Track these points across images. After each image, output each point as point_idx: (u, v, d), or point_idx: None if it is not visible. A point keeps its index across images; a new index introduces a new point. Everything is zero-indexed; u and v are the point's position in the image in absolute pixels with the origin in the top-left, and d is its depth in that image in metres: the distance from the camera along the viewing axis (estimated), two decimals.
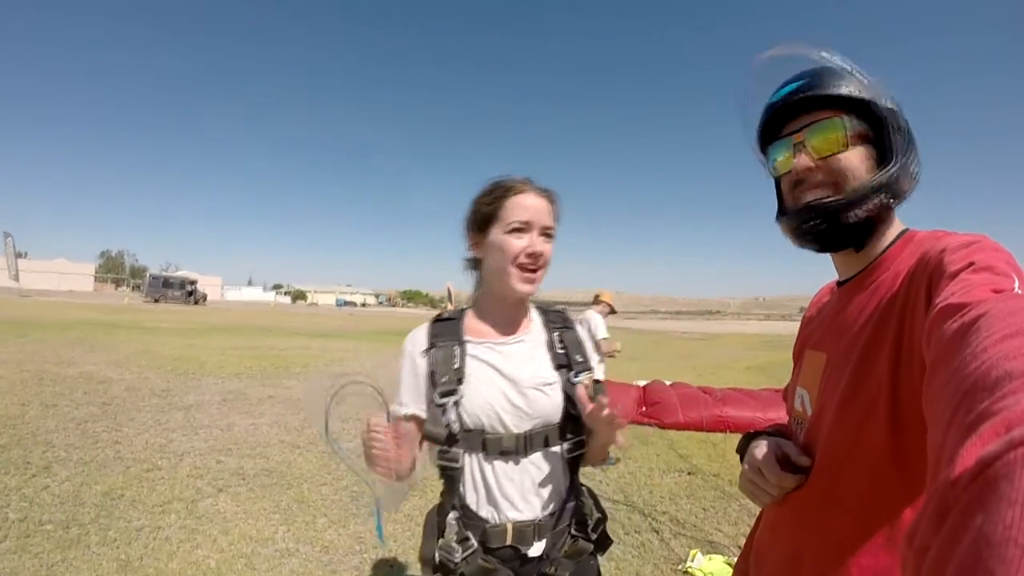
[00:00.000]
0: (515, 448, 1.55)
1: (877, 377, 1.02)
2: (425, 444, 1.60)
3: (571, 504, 1.63)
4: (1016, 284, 0.79)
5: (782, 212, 1.29)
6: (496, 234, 1.60)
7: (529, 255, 1.57)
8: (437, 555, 1.53)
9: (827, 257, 1.32)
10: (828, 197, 1.16)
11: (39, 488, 4.80)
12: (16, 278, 43.43)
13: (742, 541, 4.88)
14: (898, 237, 1.19)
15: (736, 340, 21.72)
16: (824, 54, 1.19)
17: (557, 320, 1.77)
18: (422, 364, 1.62)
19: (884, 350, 1.03)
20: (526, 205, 1.59)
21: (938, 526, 0.40)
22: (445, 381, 1.55)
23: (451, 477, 1.56)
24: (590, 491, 1.73)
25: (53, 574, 3.50)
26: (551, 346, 1.69)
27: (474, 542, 1.52)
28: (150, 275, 63.49)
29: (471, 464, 1.56)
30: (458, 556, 1.50)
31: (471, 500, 1.56)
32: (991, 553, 0.32)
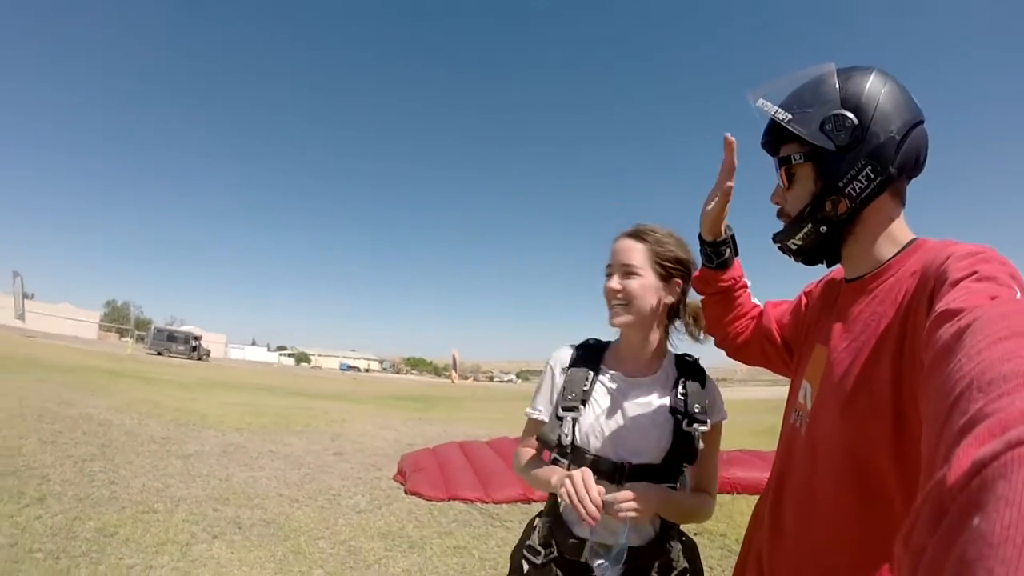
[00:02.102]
0: (611, 473, 1.64)
1: (880, 379, 1.06)
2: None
3: (656, 546, 1.68)
4: (1017, 295, 0.82)
5: None
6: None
7: (609, 293, 1.75)
8: (522, 559, 1.75)
9: None
10: (781, 229, 1.36)
11: (32, 517, 4.68)
12: (22, 318, 43.54)
13: None
14: (907, 245, 1.22)
15: (743, 405, 21.68)
16: (758, 102, 1.29)
17: (690, 370, 1.83)
18: (560, 379, 1.81)
19: (887, 353, 1.07)
20: (612, 250, 1.80)
21: (934, 527, 0.40)
22: (571, 398, 1.73)
23: (556, 491, 1.66)
24: (690, 544, 1.80)
25: None
26: (674, 391, 1.75)
27: (555, 550, 1.68)
28: (155, 328, 63.59)
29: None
30: (540, 559, 1.69)
31: (565, 512, 1.72)
32: (990, 553, 0.32)
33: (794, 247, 1.32)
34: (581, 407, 1.71)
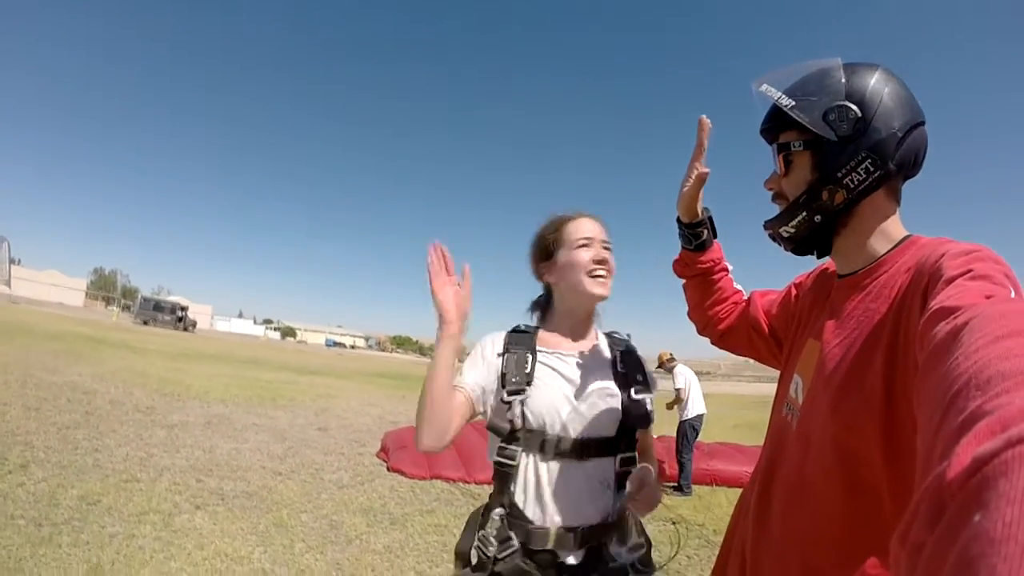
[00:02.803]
0: (571, 450, 1.62)
1: (872, 375, 1.05)
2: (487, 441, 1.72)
3: (613, 520, 1.66)
4: (1012, 295, 0.82)
5: None
6: (564, 255, 1.77)
7: (598, 262, 1.73)
8: (473, 548, 1.63)
9: None
10: (774, 215, 1.33)
11: (14, 484, 4.71)
12: (8, 283, 43.19)
13: None
14: (901, 242, 1.21)
15: (726, 400, 21.83)
16: (762, 88, 1.29)
17: (620, 343, 1.88)
18: (495, 363, 1.72)
19: (879, 349, 1.05)
20: (583, 225, 1.79)
21: (933, 523, 0.39)
22: (515, 381, 1.65)
23: (505, 475, 1.63)
24: (638, 521, 1.78)
25: (21, 567, 3.41)
26: (613, 364, 1.80)
27: (516, 543, 1.58)
28: (141, 297, 62.99)
29: (527, 463, 1.63)
30: (493, 550, 1.57)
31: (520, 499, 1.62)
32: (992, 550, 0.32)
33: (786, 234, 1.30)
34: (527, 388, 1.66)
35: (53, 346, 15.58)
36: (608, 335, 1.92)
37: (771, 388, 1.55)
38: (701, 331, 1.79)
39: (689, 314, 1.81)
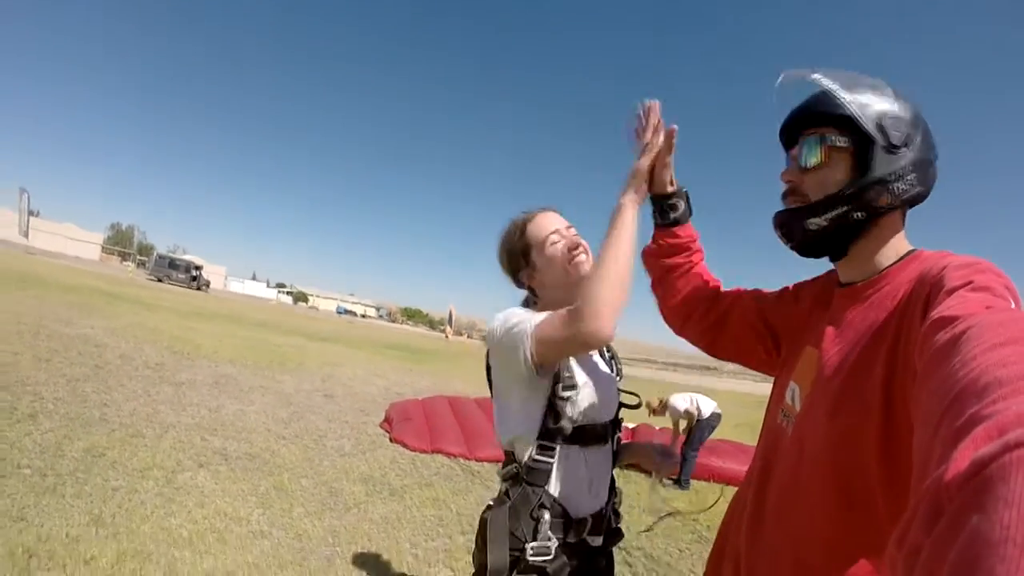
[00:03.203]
0: (604, 434, 1.67)
1: (872, 385, 1.05)
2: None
3: (614, 496, 1.76)
4: (1012, 305, 0.83)
5: None
6: (539, 255, 1.75)
7: (573, 248, 1.71)
8: (529, 557, 1.49)
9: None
10: (798, 207, 1.28)
11: (22, 434, 4.77)
12: (26, 235, 43.32)
13: None
14: (905, 255, 1.22)
15: (729, 397, 21.65)
16: (817, 75, 1.24)
17: None
18: None
19: (879, 359, 1.06)
20: (544, 223, 1.77)
21: (931, 526, 0.40)
22: (568, 376, 1.58)
23: (539, 472, 1.55)
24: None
25: (23, 516, 3.46)
26: (601, 352, 1.87)
27: (555, 540, 1.52)
28: (157, 254, 63.01)
29: (562, 457, 1.57)
30: (552, 556, 1.50)
31: (559, 494, 1.55)
32: (990, 552, 0.32)
33: (813, 227, 1.24)
34: (577, 382, 1.60)
35: (67, 298, 15.63)
36: None
37: None
38: (680, 329, 1.73)
39: (664, 311, 1.75)
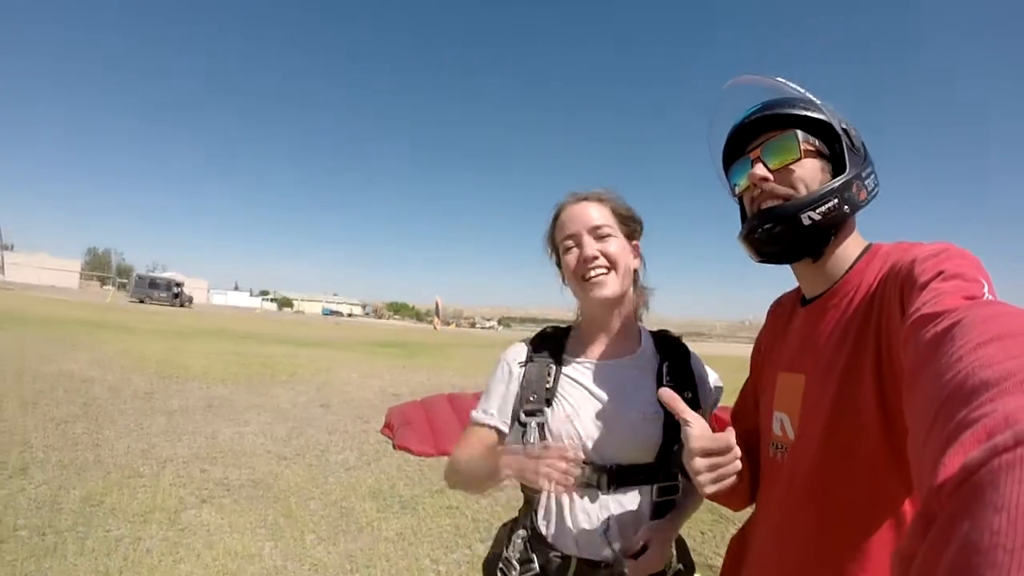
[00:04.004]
0: (596, 482, 1.44)
1: (864, 391, 1.04)
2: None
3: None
4: (985, 289, 0.83)
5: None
6: (561, 258, 1.58)
7: (582, 263, 1.51)
8: (498, 570, 1.50)
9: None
10: (789, 201, 1.21)
11: (15, 491, 4.60)
12: (1, 270, 42.96)
13: None
14: (863, 252, 1.22)
15: (721, 362, 21.67)
16: (780, 79, 1.28)
17: (671, 348, 1.63)
18: (517, 375, 1.56)
19: (866, 365, 1.05)
20: (566, 219, 1.56)
21: (923, 533, 0.40)
22: (533, 399, 1.49)
23: (529, 498, 1.51)
24: (680, 541, 1.61)
25: None
26: (658, 375, 1.54)
27: (536, 566, 1.44)
28: (136, 275, 63.16)
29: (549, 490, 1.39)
30: (515, 573, 1.44)
31: (542, 525, 1.48)
32: (980, 560, 0.32)
33: (807, 222, 1.18)
34: (546, 409, 1.48)
35: (48, 332, 15.51)
36: (658, 336, 1.67)
37: None
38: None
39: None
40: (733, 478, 1.12)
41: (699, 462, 1.11)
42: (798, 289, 1.37)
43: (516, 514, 1.61)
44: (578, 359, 1.58)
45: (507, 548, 1.51)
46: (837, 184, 1.17)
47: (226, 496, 5.05)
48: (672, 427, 1.44)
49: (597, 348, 1.60)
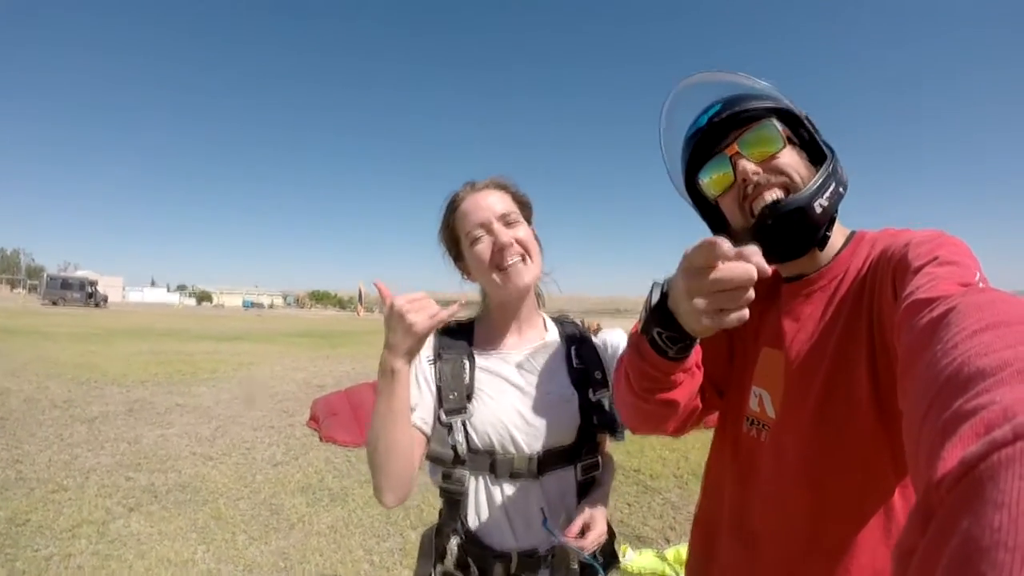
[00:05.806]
0: (526, 470, 1.43)
1: (857, 375, 1.04)
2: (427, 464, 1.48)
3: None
4: (978, 276, 0.84)
5: (733, 233, 1.24)
6: (466, 250, 1.52)
7: (498, 252, 1.46)
8: None
9: None
10: (789, 194, 1.15)
11: None
12: None
13: (669, 534, 4.82)
14: (849, 239, 1.22)
15: None
16: (741, 74, 1.24)
17: (574, 332, 1.65)
18: (430, 373, 1.49)
19: (859, 349, 1.05)
20: (472, 209, 1.50)
21: (922, 528, 0.39)
22: (453, 398, 1.44)
23: (454, 501, 1.46)
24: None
25: None
26: (568, 358, 1.57)
27: (475, 569, 1.42)
28: (48, 276, 60.49)
29: (476, 487, 1.45)
30: None
31: (474, 525, 1.45)
32: (981, 557, 0.32)
33: (819, 209, 1.13)
34: (468, 405, 1.44)
35: None
36: (558, 321, 1.69)
37: None
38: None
39: (636, 431, 1.37)
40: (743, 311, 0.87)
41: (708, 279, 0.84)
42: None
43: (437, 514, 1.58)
44: (491, 351, 1.56)
45: (442, 560, 1.46)
46: (831, 167, 1.15)
47: (154, 503, 5.05)
48: (588, 407, 1.49)
49: (509, 338, 1.59)
